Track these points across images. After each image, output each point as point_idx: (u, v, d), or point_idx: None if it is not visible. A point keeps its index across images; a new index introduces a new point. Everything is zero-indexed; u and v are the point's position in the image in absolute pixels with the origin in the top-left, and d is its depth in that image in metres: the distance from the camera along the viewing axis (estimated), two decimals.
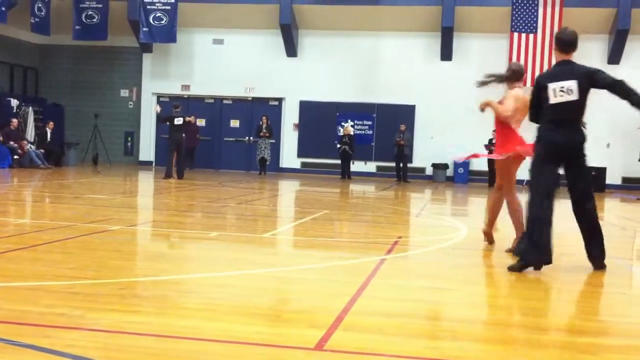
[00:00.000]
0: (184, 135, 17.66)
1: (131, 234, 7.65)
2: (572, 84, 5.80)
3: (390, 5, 22.35)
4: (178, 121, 17.22)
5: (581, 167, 6.04)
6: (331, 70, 23.39)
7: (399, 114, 22.65)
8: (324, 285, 5.18)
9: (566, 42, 5.97)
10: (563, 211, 6.86)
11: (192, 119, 18.74)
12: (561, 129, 5.88)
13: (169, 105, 19.73)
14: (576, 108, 5.88)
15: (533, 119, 6.24)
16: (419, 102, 22.93)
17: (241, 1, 23.06)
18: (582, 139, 5.95)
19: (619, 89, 5.79)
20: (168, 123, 17.51)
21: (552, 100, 5.86)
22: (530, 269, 5.88)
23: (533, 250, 5.80)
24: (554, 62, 6.22)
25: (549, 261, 5.84)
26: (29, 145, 20.63)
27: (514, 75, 7.13)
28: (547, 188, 5.89)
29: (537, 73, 21.65)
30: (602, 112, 21.89)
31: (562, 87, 5.81)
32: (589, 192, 6.15)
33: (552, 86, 5.85)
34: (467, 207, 14.85)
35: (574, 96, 5.80)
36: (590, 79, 5.85)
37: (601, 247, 6.10)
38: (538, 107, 6.07)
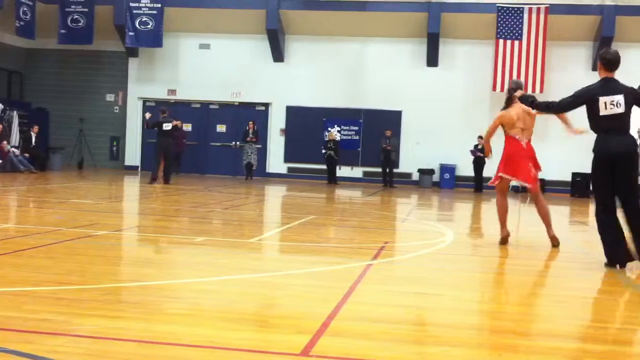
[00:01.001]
0: (171, 140, 17.58)
1: (116, 239, 7.61)
2: (620, 98, 6.47)
3: (377, 11, 22.41)
4: (167, 127, 17.14)
5: (626, 173, 6.53)
6: (318, 76, 23.40)
7: (385, 119, 22.69)
8: (310, 290, 5.17)
9: (610, 62, 6.65)
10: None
11: (178, 123, 18.64)
12: (611, 139, 6.50)
13: (157, 110, 19.65)
14: (622, 120, 6.51)
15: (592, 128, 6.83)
16: (406, 108, 22.98)
17: (228, 6, 23.04)
18: (630, 147, 6.52)
19: None
20: (156, 128, 17.41)
21: (602, 112, 6.49)
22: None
23: (607, 250, 6.57)
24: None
25: (628, 259, 6.49)
26: (11, 148, 20.42)
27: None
28: (604, 195, 6.57)
29: (522, 79, 21.81)
30: (586, 119, 22.11)
31: (612, 101, 6.47)
32: (633, 197, 6.59)
33: (603, 99, 6.49)
34: (453, 213, 14.89)
35: (621, 109, 6.45)
36: (634, 95, 6.56)
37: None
38: (565, 110, 7.01)
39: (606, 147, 6.53)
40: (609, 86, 6.55)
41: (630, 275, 6.48)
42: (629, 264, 6.57)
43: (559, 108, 6.96)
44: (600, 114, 6.50)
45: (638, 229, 6.48)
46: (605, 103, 6.47)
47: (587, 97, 6.63)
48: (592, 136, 6.22)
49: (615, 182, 6.53)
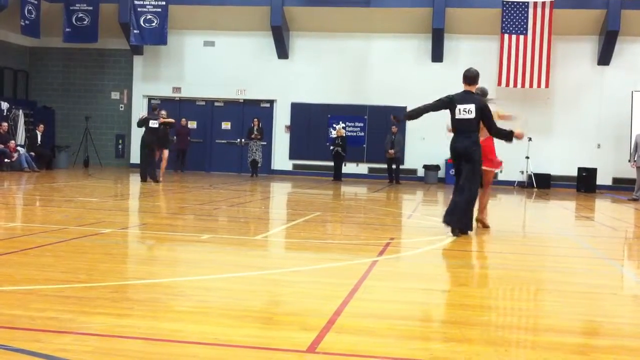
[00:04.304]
0: (156, 138, 16.86)
1: (122, 237, 7.63)
2: (472, 107, 8.20)
3: (381, 7, 22.38)
4: (153, 124, 16.64)
5: (469, 165, 8.25)
6: (322, 72, 23.39)
7: (390, 115, 22.65)
8: (316, 287, 5.18)
9: (467, 77, 8.39)
10: (550, 213, 6.89)
11: (169, 120, 17.62)
12: (459, 138, 8.30)
13: (160, 107, 19.50)
14: (471, 124, 8.24)
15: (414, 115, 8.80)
16: (410, 104, 22.73)
17: (232, 3, 23.04)
18: (473, 145, 8.23)
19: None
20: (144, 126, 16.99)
21: (457, 116, 8.30)
22: None
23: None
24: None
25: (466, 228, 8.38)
26: (19, 148, 20.51)
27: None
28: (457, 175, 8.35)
29: (527, 74, 21.79)
30: (593, 114, 22.05)
31: (465, 108, 8.22)
32: (468, 186, 8.29)
33: (459, 106, 8.26)
34: None
35: (472, 115, 8.19)
36: (482, 108, 8.22)
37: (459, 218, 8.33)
38: (431, 110, 8.58)
39: (454, 145, 8.37)
40: (466, 97, 8.29)
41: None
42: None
43: (428, 107, 8.59)
44: (456, 117, 8.28)
45: (459, 203, 8.25)
46: (460, 109, 8.24)
47: (449, 103, 8.37)
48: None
49: (461, 172, 8.34)
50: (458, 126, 8.33)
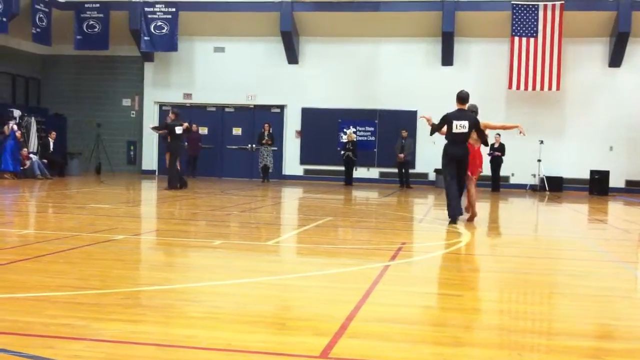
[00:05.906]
0: (183, 143, 17.15)
1: (135, 243, 7.65)
2: (465, 123, 10.33)
3: (391, 11, 22.39)
4: (178, 130, 16.70)
5: (463, 167, 10.60)
6: (332, 77, 23.41)
7: (400, 119, 22.65)
8: (328, 292, 5.17)
9: (460, 98, 10.45)
10: (562, 217, 6.86)
11: (186, 125, 17.85)
12: (456, 146, 10.42)
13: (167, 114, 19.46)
14: (465, 136, 10.39)
15: (433, 134, 11.26)
16: (421, 108, 22.80)
17: (242, 9, 23.12)
18: (467, 152, 10.53)
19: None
20: (165, 131, 17.00)
21: (454, 130, 10.36)
22: None
23: (449, 207, 10.59)
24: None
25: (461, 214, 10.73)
26: (31, 155, 20.63)
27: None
28: (452, 178, 10.45)
29: (538, 77, 21.72)
30: (605, 116, 21.93)
31: (461, 124, 10.33)
32: (463, 181, 10.74)
33: (455, 122, 10.34)
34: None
35: (466, 129, 10.32)
36: (474, 123, 10.40)
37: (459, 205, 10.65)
38: (440, 129, 10.73)
39: (453, 151, 10.45)
40: (460, 114, 10.41)
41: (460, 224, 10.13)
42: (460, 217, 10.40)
43: (436, 127, 10.80)
44: (453, 131, 10.36)
45: (460, 194, 10.58)
46: (456, 125, 10.33)
47: (447, 120, 10.43)
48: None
49: (457, 168, 10.48)
50: (455, 138, 10.43)
